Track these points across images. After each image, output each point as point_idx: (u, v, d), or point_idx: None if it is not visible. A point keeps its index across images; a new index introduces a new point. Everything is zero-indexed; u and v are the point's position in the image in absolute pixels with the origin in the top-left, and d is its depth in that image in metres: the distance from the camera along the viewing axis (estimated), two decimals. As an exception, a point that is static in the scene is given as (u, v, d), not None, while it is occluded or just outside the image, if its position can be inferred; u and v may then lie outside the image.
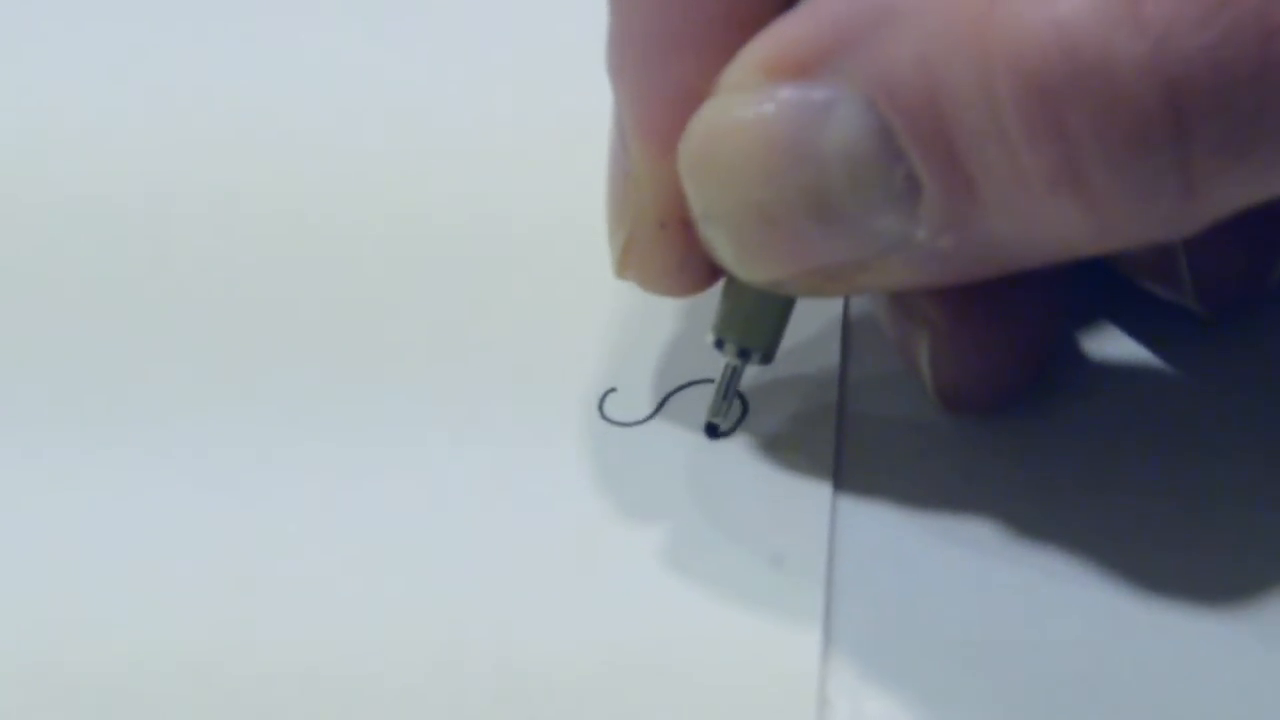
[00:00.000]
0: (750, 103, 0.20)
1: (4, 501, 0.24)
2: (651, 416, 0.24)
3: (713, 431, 0.24)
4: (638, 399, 0.24)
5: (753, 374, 0.24)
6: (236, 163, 0.30)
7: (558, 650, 0.21)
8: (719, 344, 0.23)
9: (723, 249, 0.21)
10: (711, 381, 0.24)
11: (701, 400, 0.24)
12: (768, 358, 0.24)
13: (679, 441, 0.24)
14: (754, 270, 0.21)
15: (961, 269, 0.21)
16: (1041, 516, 0.23)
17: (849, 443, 0.24)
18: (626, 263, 0.23)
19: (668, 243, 0.23)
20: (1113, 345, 0.25)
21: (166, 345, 0.26)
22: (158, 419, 0.25)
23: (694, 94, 0.21)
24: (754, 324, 0.23)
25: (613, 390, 0.24)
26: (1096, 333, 0.26)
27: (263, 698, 0.21)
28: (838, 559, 0.22)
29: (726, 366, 0.24)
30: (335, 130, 0.30)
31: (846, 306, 0.26)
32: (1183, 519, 0.23)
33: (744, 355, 0.24)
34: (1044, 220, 0.19)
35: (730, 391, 0.24)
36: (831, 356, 0.25)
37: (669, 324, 0.25)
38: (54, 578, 0.23)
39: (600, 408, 0.24)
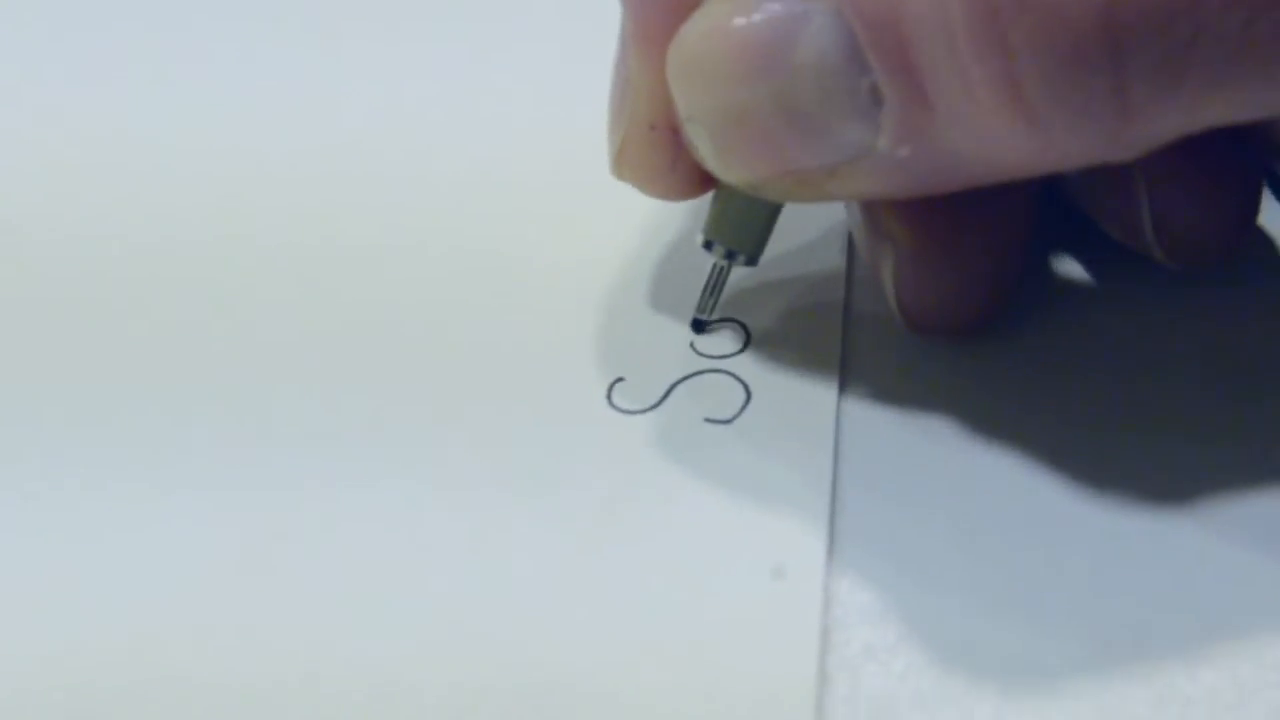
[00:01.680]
0: (738, 11, 0.22)
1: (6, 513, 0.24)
2: (658, 404, 0.25)
3: (698, 326, 0.26)
4: (645, 388, 0.25)
5: (754, 362, 0.25)
6: (241, 183, 0.30)
7: (564, 640, 0.22)
8: (708, 245, 0.25)
9: (703, 148, 0.23)
10: (715, 371, 0.25)
11: (705, 389, 0.25)
12: (753, 260, 0.25)
13: (685, 426, 0.25)
14: (730, 170, 0.23)
15: (922, 181, 0.22)
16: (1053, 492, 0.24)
17: (849, 423, 0.25)
18: (621, 162, 0.25)
19: (657, 144, 0.24)
20: (1086, 285, 0.27)
21: (171, 362, 0.26)
22: (161, 433, 0.25)
23: (689, 5, 0.22)
24: (741, 228, 0.25)
25: (621, 379, 0.25)
26: (1073, 272, 0.27)
27: (267, 704, 0.21)
28: (838, 541, 0.23)
29: (714, 266, 0.26)
30: (341, 141, 0.31)
31: (848, 288, 0.27)
32: (1162, 445, 0.24)
33: (730, 256, 0.25)
34: (992, 135, 0.21)
35: (717, 289, 0.26)
36: (833, 342, 0.26)
37: (675, 317, 0.26)
38: (52, 590, 0.23)
39: (609, 396, 0.25)
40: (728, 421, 0.25)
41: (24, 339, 0.27)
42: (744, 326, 0.26)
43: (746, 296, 0.27)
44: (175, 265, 0.28)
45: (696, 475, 0.24)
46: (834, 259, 0.27)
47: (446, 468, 0.24)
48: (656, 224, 0.28)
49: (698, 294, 0.26)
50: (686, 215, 0.28)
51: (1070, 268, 0.27)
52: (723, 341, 0.26)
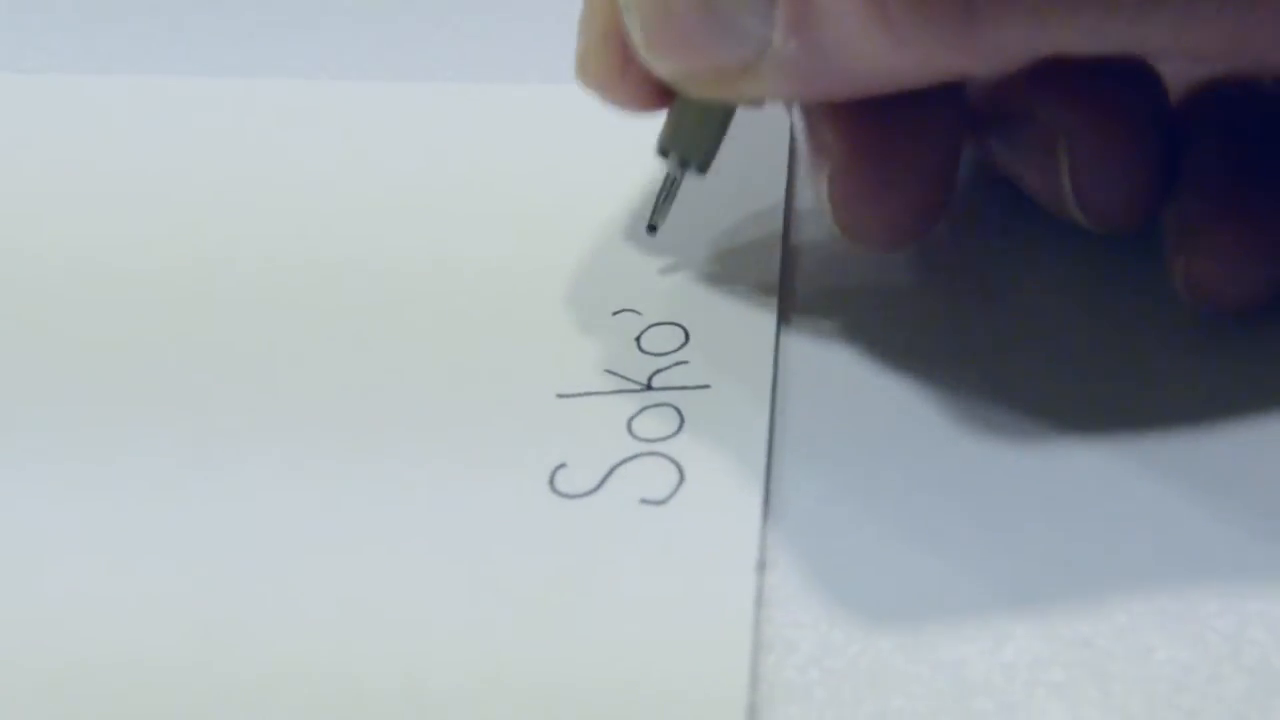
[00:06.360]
0: None
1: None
2: (598, 488, 0.26)
3: (652, 230, 0.30)
4: (585, 472, 0.27)
5: (688, 443, 0.27)
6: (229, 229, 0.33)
7: (508, 700, 0.23)
8: (663, 153, 0.28)
9: (635, 34, 0.26)
10: (652, 455, 0.27)
11: (641, 472, 0.26)
12: (703, 168, 0.28)
13: (622, 508, 0.26)
14: (656, 59, 0.26)
15: (814, 81, 0.25)
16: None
17: (779, 500, 0.26)
18: (581, 68, 0.28)
19: (610, 51, 0.27)
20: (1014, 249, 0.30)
21: (156, 387, 0.29)
22: (135, 450, 0.27)
23: None
24: (693, 138, 0.28)
25: (563, 465, 0.27)
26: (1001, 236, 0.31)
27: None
28: (765, 615, 0.24)
29: (667, 175, 0.29)
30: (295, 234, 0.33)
31: (775, 367, 0.28)
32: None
33: (684, 165, 0.28)
34: (856, 34, 0.23)
35: (671, 195, 0.29)
36: (761, 422, 0.27)
37: (615, 403, 0.28)
38: (45, 585, 0.25)
39: (551, 482, 0.26)
40: (662, 502, 0.26)
41: (22, 343, 0.30)
42: (678, 410, 0.28)
43: (680, 374, 0.28)
44: (163, 306, 0.31)
45: (630, 557, 0.25)
46: (763, 341, 0.29)
47: (398, 549, 0.25)
48: (598, 306, 0.30)
49: (637, 383, 0.28)
50: (620, 302, 0.30)
51: (998, 232, 0.30)
52: (659, 424, 0.27)
